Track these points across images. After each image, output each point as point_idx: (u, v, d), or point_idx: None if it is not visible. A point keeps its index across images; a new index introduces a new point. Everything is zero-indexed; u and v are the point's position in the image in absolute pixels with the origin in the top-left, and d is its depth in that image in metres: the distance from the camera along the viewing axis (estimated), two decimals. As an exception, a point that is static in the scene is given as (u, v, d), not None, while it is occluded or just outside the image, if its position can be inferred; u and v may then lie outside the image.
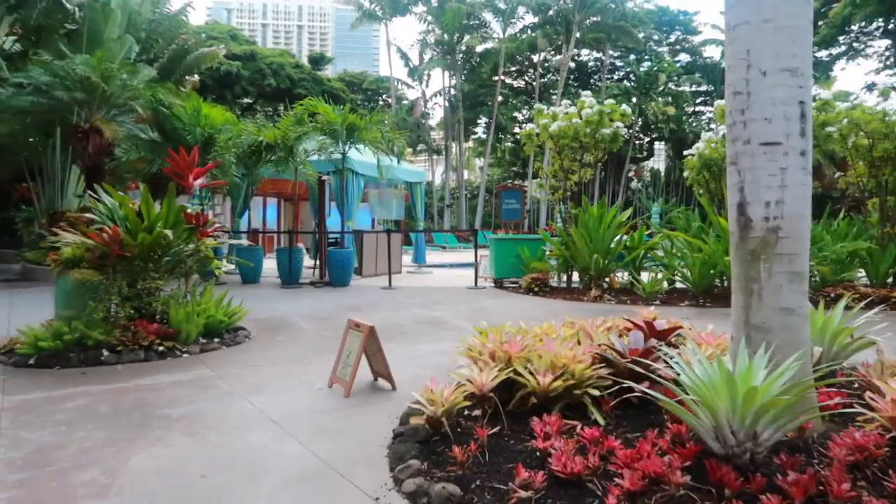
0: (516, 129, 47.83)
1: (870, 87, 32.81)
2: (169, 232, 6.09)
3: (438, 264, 18.51)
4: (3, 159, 15.33)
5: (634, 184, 56.50)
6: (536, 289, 9.88)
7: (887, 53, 36.45)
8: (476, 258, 11.25)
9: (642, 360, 3.91)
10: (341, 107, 10.81)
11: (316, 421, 4.10)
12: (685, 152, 11.20)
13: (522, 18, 41.38)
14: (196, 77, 20.55)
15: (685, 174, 11.20)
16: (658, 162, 61.22)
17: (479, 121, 46.55)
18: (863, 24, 32.53)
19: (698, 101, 50.18)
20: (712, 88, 47.78)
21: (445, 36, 38.61)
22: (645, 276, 10.49)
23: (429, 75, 40.76)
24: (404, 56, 40.12)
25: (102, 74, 10.81)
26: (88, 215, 6.56)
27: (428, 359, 5.81)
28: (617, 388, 3.77)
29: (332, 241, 13.30)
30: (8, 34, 14.71)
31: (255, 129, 11.04)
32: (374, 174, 13.01)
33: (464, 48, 39.91)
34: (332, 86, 36.46)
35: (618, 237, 9.67)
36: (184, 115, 11.15)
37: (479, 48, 42.54)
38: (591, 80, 50.43)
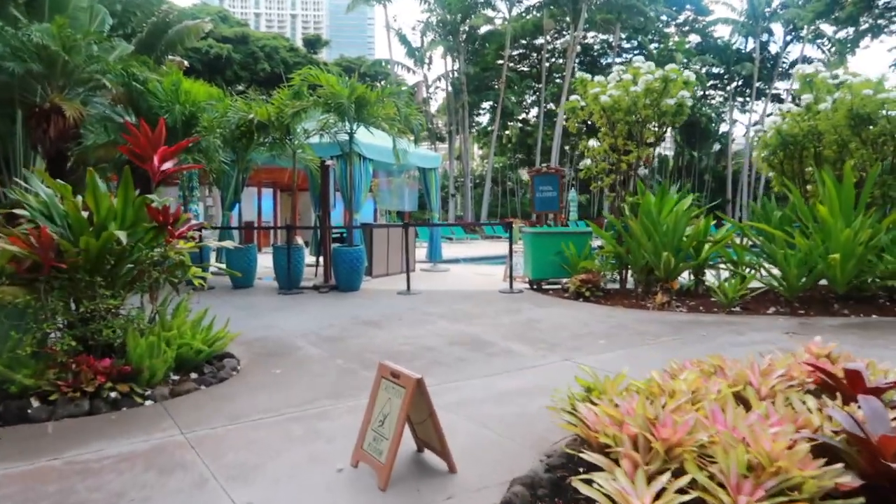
0: (522, 116, 46.15)
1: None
2: (123, 234, 4.41)
3: (452, 259, 16.83)
4: (-35, 149, 13.58)
5: (642, 170, 54.75)
6: (587, 293, 8.21)
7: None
8: (510, 256, 9.54)
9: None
10: (347, 77, 9.10)
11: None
12: (755, 128, 9.49)
13: (529, -1, 39.53)
14: (180, 58, 18.82)
15: (754, 154, 9.51)
16: (664, 148, 59.42)
17: (483, 106, 44.74)
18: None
19: (708, 84, 48.37)
20: (723, 71, 45.99)
21: (448, 16, 36.72)
22: (710, 277, 8.86)
23: (430, 58, 38.91)
24: (403, 39, 38.24)
25: (64, 44, 9.08)
26: (19, 211, 4.87)
27: (486, 407, 4.14)
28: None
29: (336, 236, 11.62)
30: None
31: (244, 106, 9.30)
32: (384, 159, 11.31)
33: (467, 28, 38.00)
34: (330, 70, 34.55)
35: (689, 230, 7.99)
36: (160, 91, 9.44)
37: (483, 30, 40.68)
38: (598, 64, 48.64)
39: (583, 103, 8.74)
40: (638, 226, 7.89)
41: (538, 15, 41.47)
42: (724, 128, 49.97)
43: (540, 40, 43.20)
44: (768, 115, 9.00)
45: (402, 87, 10.57)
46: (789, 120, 8.72)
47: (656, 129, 8.54)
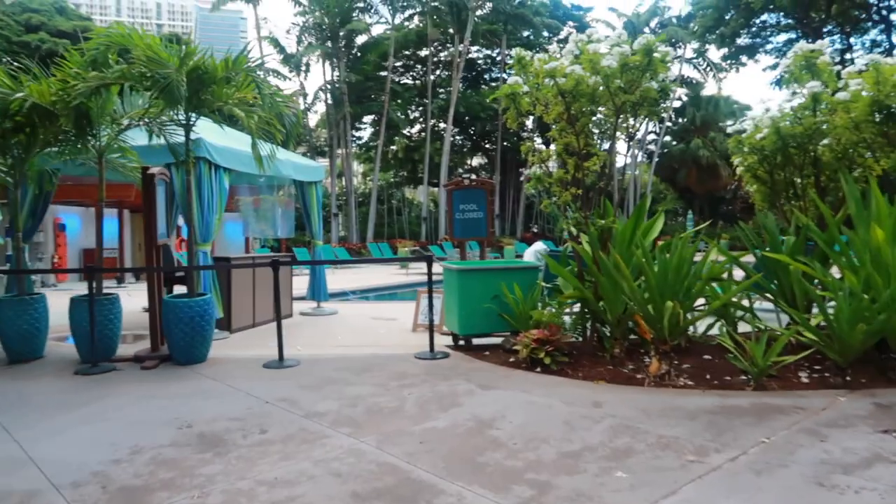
0: (408, 130, 43.79)
1: (777, 83, 31.63)
2: None
3: (339, 293, 13.87)
4: None
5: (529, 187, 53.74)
6: (548, 360, 5.61)
7: (785, 49, 35.72)
8: (430, 298, 6.75)
9: None
10: (182, 46, 6.01)
11: None
12: (731, 129, 7.38)
13: (413, 5, 37.33)
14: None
15: (735, 161, 7.37)
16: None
17: (365, 119, 41.95)
18: (770, 14, 31.30)
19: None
20: (605, 87, 45.91)
21: (326, 19, 33.68)
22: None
23: (307, 65, 35.60)
24: (276, 42, 34.74)
25: None
26: None
27: None
28: None
29: (181, 276, 8.42)
30: None
31: (7, 80, 5.94)
32: (247, 168, 8.27)
33: (343, 33, 35.02)
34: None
35: (693, 268, 5.59)
36: None
37: (361, 39, 37.94)
38: (483, 79, 47.42)
39: (526, 88, 6.23)
40: (618, 260, 5.41)
41: (420, 25, 39.45)
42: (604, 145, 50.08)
43: (424, 52, 41.16)
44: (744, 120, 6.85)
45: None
46: (790, 115, 6.66)
47: (630, 123, 6.19)
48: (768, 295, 6.42)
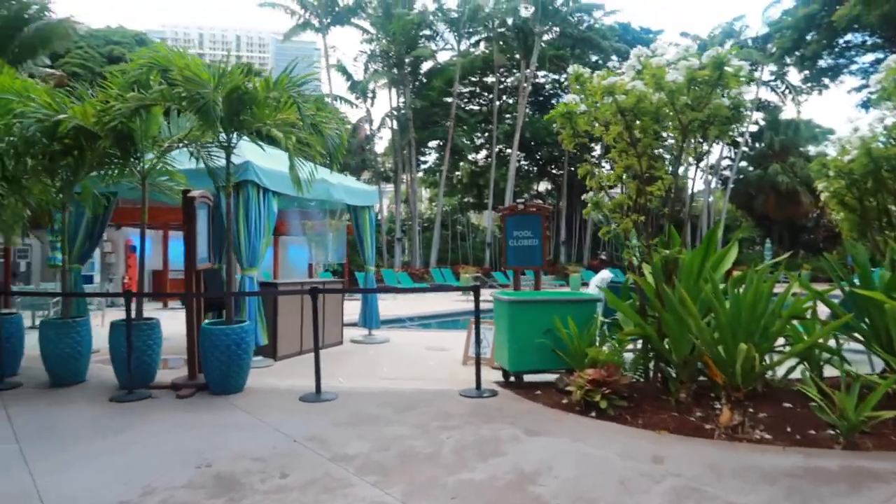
0: (472, 156, 43.68)
1: (865, 105, 29.87)
2: None
3: (395, 320, 13.59)
4: None
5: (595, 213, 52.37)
6: (604, 404, 5.08)
7: (871, 70, 33.81)
8: (476, 330, 6.32)
9: None
10: (221, 62, 5.85)
11: None
12: (814, 151, 6.72)
13: (478, 32, 37.38)
14: (61, 72, 15.44)
15: (819, 186, 6.69)
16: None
17: (430, 144, 42.05)
18: (855, 34, 29.71)
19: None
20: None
21: (392, 47, 34.06)
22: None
23: (374, 92, 36.03)
24: (343, 69, 35.32)
25: None
26: None
27: None
28: None
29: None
30: None
31: (46, 99, 5.92)
32: (296, 192, 8.10)
33: (409, 60, 35.30)
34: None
35: (771, 304, 4.98)
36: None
37: (426, 66, 38.13)
38: (550, 104, 46.89)
39: (583, 107, 5.79)
40: (684, 294, 4.85)
41: (487, 51, 39.39)
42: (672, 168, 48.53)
43: (490, 77, 41.05)
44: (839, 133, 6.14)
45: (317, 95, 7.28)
46: (883, 135, 5.97)
47: (697, 143, 5.67)
48: (858, 335, 5.70)
